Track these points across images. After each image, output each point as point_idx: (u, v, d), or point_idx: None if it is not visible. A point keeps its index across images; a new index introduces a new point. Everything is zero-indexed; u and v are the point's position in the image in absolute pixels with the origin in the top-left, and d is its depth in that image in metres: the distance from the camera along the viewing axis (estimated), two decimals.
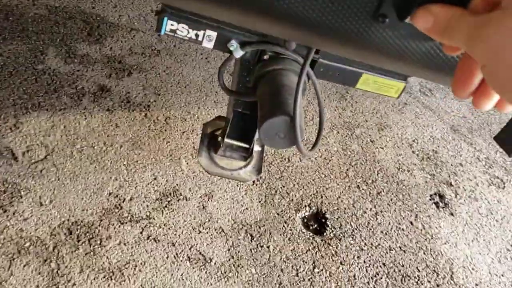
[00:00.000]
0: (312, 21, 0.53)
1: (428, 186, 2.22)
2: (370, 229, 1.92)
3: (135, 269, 1.51)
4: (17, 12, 2.22)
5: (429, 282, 1.81)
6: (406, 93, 2.78)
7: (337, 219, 1.90)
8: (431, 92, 2.88)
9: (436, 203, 2.16)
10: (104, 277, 1.46)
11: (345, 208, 1.96)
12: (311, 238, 1.80)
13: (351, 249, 1.81)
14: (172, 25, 1.01)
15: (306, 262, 1.71)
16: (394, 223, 1.98)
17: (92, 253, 1.51)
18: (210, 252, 1.63)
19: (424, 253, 1.91)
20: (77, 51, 2.14)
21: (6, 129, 1.75)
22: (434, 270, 1.86)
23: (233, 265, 1.62)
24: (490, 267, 1.95)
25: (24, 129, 1.77)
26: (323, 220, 1.88)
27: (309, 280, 1.67)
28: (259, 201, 1.85)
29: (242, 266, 1.63)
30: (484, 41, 0.39)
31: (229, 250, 1.66)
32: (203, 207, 1.75)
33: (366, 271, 1.77)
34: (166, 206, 1.71)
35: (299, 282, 1.65)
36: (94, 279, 1.45)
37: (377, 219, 1.97)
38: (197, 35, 1.04)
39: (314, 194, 1.97)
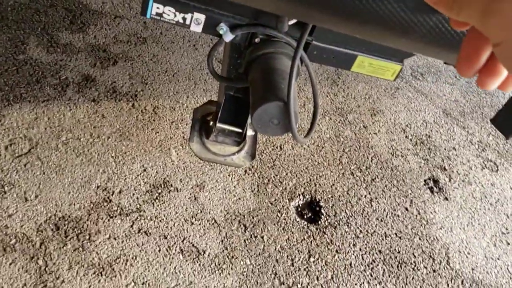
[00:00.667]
0: None
1: (422, 171, 2.20)
2: (365, 216, 1.89)
3: (126, 263, 1.47)
4: None
5: (425, 268, 1.79)
6: (397, 77, 2.75)
7: (331, 207, 1.87)
8: (423, 76, 2.85)
9: (431, 188, 2.14)
10: (94, 273, 1.42)
11: (339, 196, 1.93)
12: (305, 227, 1.77)
13: (346, 237, 1.79)
14: (158, 8, 0.96)
15: (301, 252, 1.68)
16: (389, 210, 1.95)
17: (81, 248, 1.46)
18: (203, 244, 1.59)
19: (419, 239, 1.89)
20: (59, 40, 2.07)
21: None
22: (430, 256, 1.84)
23: (227, 256, 1.59)
24: (485, 251, 1.94)
25: (6, 122, 1.70)
26: (317, 209, 1.85)
27: (304, 269, 1.64)
28: (252, 191, 1.81)
29: (236, 258, 1.59)
30: (499, 16, 0.35)
31: (222, 241, 1.62)
32: (195, 198, 1.71)
33: (362, 258, 1.74)
34: (156, 198, 1.66)
35: (295, 272, 1.62)
36: (84, 275, 1.40)
37: (372, 205, 1.94)
38: (184, 19, 0.98)
39: (307, 182, 1.93)
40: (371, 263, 1.74)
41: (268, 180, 1.87)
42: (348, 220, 1.85)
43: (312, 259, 1.67)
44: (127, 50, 2.15)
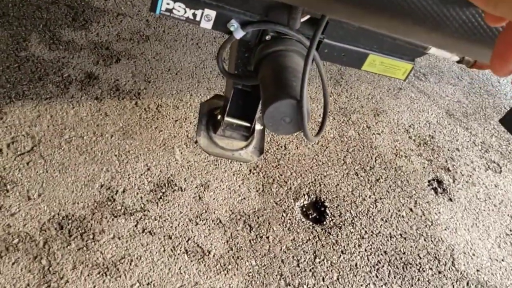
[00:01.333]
0: None
1: (426, 172, 2.19)
2: (370, 216, 1.88)
3: (130, 264, 1.45)
4: None
5: (430, 269, 1.78)
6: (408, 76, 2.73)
7: (336, 207, 1.86)
8: (425, 76, 2.84)
9: (435, 189, 2.13)
10: (99, 273, 1.40)
11: (344, 196, 1.91)
12: (311, 227, 1.75)
13: (351, 237, 1.77)
14: (168, 4, 0.94)
15: (306, 252, 1.67)
16: (393, 210, 1.94)
17: (85, 248, 1.44)
18: (208, 244, 1.57)
19: (424, 240, 1.88)
20: (61, 37, 2.04)
21: None
22: (435, 257, 1.83)
23: (233, 257, 1.57)
24: (490, 252, 1.93)
25: (8, 120, 1.68)
26: (322, 209, 1.84)
27: (310, 270, 1.62)
28: (257, 191, 1.80)
29: (242, 258, 1.58)
30: None
31: (227, 241, 1.60)
32: (199, 198, 1.69)
33: (368, 259, 1.73)
34: (161, 198, 1.64)
35: (301, 272, 1.60)
36: (88, 275, 1.38)
37: (376, 206, 1.93)
38: (194, 15, 0.96)
39: (312, 182, 1.92)
40: (377, 264, 1.72)
41: (273, 180, 1.86)
42: (353, 221, 1.83)
43: (317, 260, 1.66)
44: (130, 48, 2.13)
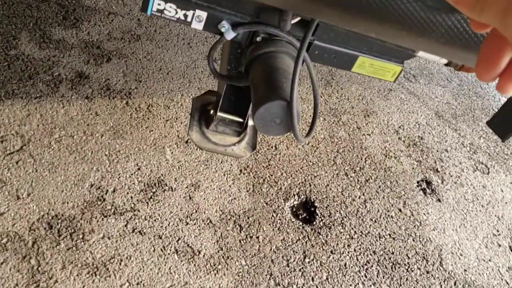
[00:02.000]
0: None
1: (415, 173, 2.21)
2: (360, 217, 1.89)
3: (120, 263, 1.45)
4: None
5: (419, 269, 1.80)
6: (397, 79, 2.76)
7: (326, 207, 1.87)
8: (415, 78, 2.87)
9: (424, 190, 2.15)
10: (88, 273, 1.40)
11: (334, 196, 1.93)
12: (300, 227, 1.76)
13: (341, 237, 1.79)
14: (159, 4, 0.94)
15: (296, 252, 1.68)
16: (383, 211, 1.96)
17: (74, 248, 1.43)
18: (198, 244, 1.58)
19: (413, 240, 1.90)
20: (52, 36, 2.03)
21: None
22: (424, 257, 1.85)
23: (222, 257, 1.57)
24: (477, 253, 1.96)
25: None
26: (312, 209, 1.85)
27: (300, 270, 1.63)
28: (247, 191, 1.80)
29: (232, 258, 1.58)
30: None
31: (217, 241, 1.61)
32: (190, 198, 1.69)
33: (357, 259, 1.74)
34: (151, 198, 1.64)
35: (290, 272, 1.61)
36: (78, 275, 1.38)
37: (366, 206, 1.94)
38: (185, 16, 0.97)
39: (302, 182, 1.93)
40: (366, 264, 1.74)
41: (263, 180, 1.86)
42: (342, 221, 1.85)
43: (307, 260, 1.67)
44: (121, 47, 2.13)
